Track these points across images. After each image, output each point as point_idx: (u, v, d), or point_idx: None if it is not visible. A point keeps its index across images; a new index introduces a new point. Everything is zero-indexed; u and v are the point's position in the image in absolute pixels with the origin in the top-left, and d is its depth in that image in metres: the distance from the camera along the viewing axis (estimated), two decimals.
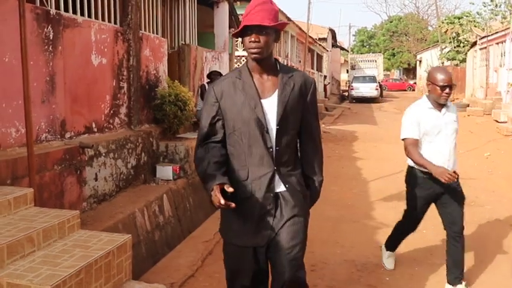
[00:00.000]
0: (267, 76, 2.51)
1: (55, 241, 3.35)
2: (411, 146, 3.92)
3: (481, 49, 23.17)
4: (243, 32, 2.41)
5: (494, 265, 4.60)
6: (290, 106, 2.48)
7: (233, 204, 2.22)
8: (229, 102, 2.46)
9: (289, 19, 19.09)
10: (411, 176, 4.10)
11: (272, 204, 2.49)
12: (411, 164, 4.05)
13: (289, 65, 21.01)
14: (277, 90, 2.48)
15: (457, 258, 3.99)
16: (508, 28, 18.18)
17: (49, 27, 4.75)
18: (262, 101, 2.45)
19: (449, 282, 4.01)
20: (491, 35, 21.06)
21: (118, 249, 3.38)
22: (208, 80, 8.39)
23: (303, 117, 2.58)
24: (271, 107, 2.46)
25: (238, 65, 15.00)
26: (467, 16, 27.06)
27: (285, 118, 2.46)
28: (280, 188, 2.51)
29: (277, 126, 2.44)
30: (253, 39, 2.38)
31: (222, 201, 2.19)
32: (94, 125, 5.55)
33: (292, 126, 2.53)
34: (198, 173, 2.49)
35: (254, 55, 2.42)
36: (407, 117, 3.99)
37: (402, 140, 4.00)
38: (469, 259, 4.63)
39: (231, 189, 2.24)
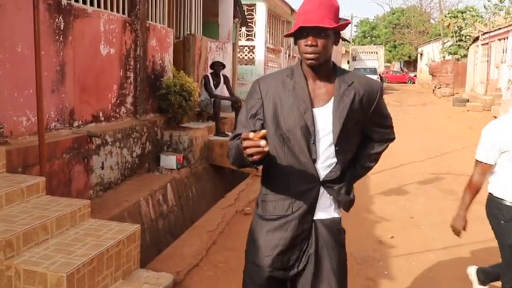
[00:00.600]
0: (321, 83, 2.13)
1: (67, 229, 3.46)
2: (478, 174, 3.30)
3: (482, 45, 23.18)
4: (297, 32, 2.05)
5: (488, 263, 4.72)
6: (349, 121, 2.10)
7: (264, 142, 1.76)
8: (275, 102, 2.11)
9: (292, 10, 19.10)
10: (495, 206, 3.25)
11: (310, 230, 2.16)
12: (495, 192, 3.24)
13: (291, 55, 21.08)
14: (332, 101, 2.10)
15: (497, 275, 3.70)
16: (511, 25, 18.20)
17: (60, 17, 4.82)
18: (313, 109, 2.09)
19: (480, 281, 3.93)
20: (494, 30, 21.07)
21: (128, 238, 3.49)
22: (212, 71, 8.45)
23: (367, 128, 2.24)
24: (322, 118, 2.09)
25: (241, 55, 15.07)
26: (470, 11, 27.08)
27: (344, 136, 2.09)
28: (321, 214, 2.17)
29: (335, 147, 2.09)
30: (309, 42, 2.01)
31: (251, 135, 1.78)
32: (101, 114, 5.64)
33: (352, 142, 2.19)
34: (232, 161, 2.11)
35: (310, 61, 2.05)
36: (488, 134, 3.22)
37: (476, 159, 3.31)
38: (461, 254, 4.77)
39: (263, 132, 1.79)
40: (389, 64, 53.90)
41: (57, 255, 3.04)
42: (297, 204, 2.13)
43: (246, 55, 15.40)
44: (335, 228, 2.22)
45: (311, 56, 2.03)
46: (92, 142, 5.15)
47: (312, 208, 2.15)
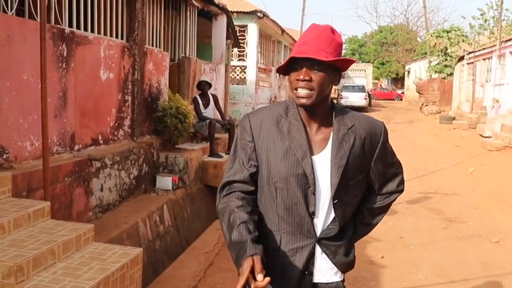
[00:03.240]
0: (318, 125, 1.85)
1: (73, 253, 3.60)
2: None
3: (468, 64, 23.70)
4: (289, 65, 1.79)
5: (474, 281, 4.92)
6: (350, 171, 1.84)
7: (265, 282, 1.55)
8: (268, 146, 1.83)
9: (282, 30, 19.38)
10: None
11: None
12: None
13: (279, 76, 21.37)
14: (329, 147, 1.84)
15: None
16: (495, 45, 18.69)
17: (63, 45, 4.99)
18: (312, 157, 1.82)
19: None
20: (478, 50, 21.58)
21: (131, 262, 3.64)
22: (200, 92, 8.46)
23: (370, 177, 1.96)
24: (320, 166, 1.83)
25: (233, 75, 15.29)
26: (455, 30, 27.70)
27: (343, 188, 1.83)
28: (321, 277, 1.90)
29: (333, 200, 1.83)
30: (301, 76, 1.74)
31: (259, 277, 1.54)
32: (100, 138, 5.80)
33: (354, 195, 1.91)
34: (222, 231, 1.82)
35: (302, 100, 1.77)
36: None
37: None
38: (450, 275, 4.96)
39: (260, 277, 1.55)
40: (376, 81, 54.60)
41: (65, 279, 3.18)
42: (288, 263, 1.85)
43: (237, 75, 15.66)
44: None
45: (303, 93, 1.75)
46: (92, 165, 5.29)
47: (307, 268, 1.87)
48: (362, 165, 1.89)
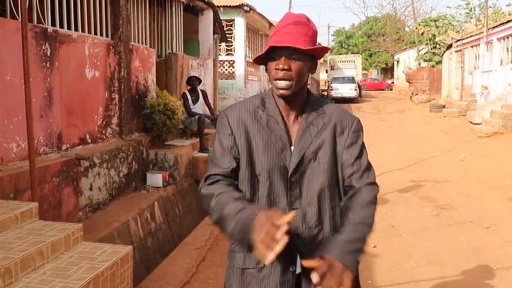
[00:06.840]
0: (295, 116, 1.86)
1: (62, 253, 3.57)
2: None
3: (456, 51, 23.76)
4: (268, 55, 1.80)
5: (466, 267, 4.94)
6: (313, 154, 1.83)
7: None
8: (249, 138, 1.83)
9: (270, 24, 19.36)
10: None
11: (292, 281, 1.83)
12: None
13: None
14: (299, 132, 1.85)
15: None
16: (482, 32, 18.75)
17: (47, 44, 4.94)
18: (291, 147, 1.83)
19: None
20: (466, 38, 21.64)
21: (121, 260, 3.61)
22: (189, 87, 8.47)
23: (342, 167, 1.87)
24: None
25: (221, 70, 15.22)
26: (443, 19, 27.78)
27: (306, 171, 1.82)
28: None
29: (291, 183, 1.81)
30: (281, 66, 1.75)
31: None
32: (88, 136, 5.76)
33: (319, 179, 1.84)
34: (213, 219, 1.78)
35: (281, 91, 1.78)
36: None
37: None
38: (442, 261, 4.98)
39: (290, 216, 1.53)
40: (366, 72, 54.63)
41: (54, 279, 3.16)
42: None
43: (226, 70, 15.60)
44: None
45: (283, 84, 1.76)
46: (81, 165, 5.26)
47: (290, 258, 1.81)
48: (328, 150, 1.84)
